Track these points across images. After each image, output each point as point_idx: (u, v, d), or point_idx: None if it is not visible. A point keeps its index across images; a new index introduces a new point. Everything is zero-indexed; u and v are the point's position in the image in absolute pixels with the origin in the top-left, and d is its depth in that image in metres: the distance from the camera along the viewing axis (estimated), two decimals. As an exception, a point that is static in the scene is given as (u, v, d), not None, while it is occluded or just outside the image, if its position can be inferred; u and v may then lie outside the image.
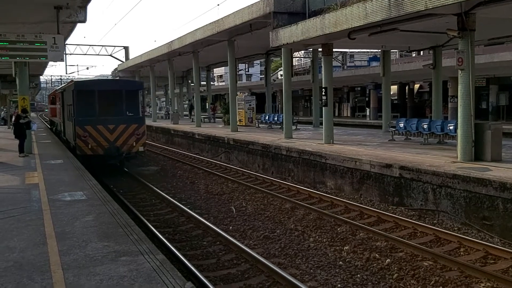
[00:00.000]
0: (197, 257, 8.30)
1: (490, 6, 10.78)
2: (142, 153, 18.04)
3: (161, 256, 6.08)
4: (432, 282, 6.93)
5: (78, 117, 16.79)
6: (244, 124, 28.47)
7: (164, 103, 60.67)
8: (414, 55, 45.41)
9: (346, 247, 8.61)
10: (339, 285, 6.94)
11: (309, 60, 46.45)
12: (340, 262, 7.92)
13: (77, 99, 16.97)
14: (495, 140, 11.62)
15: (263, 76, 38.91)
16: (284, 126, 19.96)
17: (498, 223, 8.92)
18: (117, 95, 17.27)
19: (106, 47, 51.27)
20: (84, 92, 17.10)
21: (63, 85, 27.26)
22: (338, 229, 9.77)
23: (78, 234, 7.10)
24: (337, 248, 8.65)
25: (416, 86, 42.26)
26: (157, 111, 46.36)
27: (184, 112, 47.35)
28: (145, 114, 50.85)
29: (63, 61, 15.94)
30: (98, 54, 51.05)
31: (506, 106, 33.31)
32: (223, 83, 78.85)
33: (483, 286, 6.70)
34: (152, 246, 6.50)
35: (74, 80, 23.98)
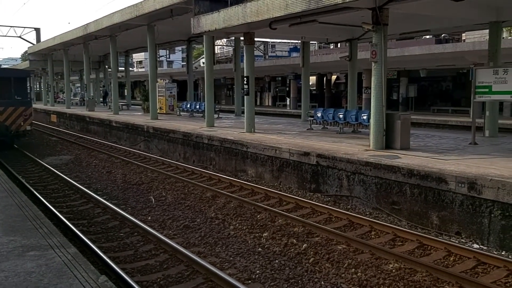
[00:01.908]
0: (113, 249, 8.01)
1: (402, 2, 11.39)
2: (29, 132, 20.70)
3: (73, 250, 5.79)
4: (345, 264, 7.25)
5: None
6: (164, 112, 27.90)
7: (79, 89, 57.85)
8: (332, 47, 47.02)
9: (265, 234, 8.75)
10: (257, 271, 7.03)
11: (231, 49, 46.45)
12: (259, 249, 8.04)
13: None
14: (404, 130, 12.34)
15: (185, 63, 38.30)
16: (206, 115, 19.81)
17: (405, 207, 9.51)
18: (6, 81, 19.61)
19: (15, 28, 47.84)
20: None
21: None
22: (258, 216, 9.90)
23: (-20, 228, 6.57)
24: (257, 235, 8.77)
25: (334, 77, 43.81)
26: (72, 97, 44.07)
27: (101, 99, 45.48)
28: (58, 100, 48.68)
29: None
30: (6, 36, 47.66)
31: (415, 97, 35.55)
32: (143, 69, 76.71)
33: (391, 267, 7.11)
34: (63, 239, 6.17)
35: None
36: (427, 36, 34.90)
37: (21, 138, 20.61)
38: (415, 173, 9.28)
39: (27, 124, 20.12)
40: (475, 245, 8.09)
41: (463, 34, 38.31)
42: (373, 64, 12.06)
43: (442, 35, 35.21)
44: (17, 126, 19.77)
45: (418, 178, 9.21)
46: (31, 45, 46.20)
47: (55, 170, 14.84)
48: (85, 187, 12.40)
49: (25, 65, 49.61)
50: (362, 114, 15.67)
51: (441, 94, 36.41)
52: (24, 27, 48.20)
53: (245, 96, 17.35)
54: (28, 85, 21.09)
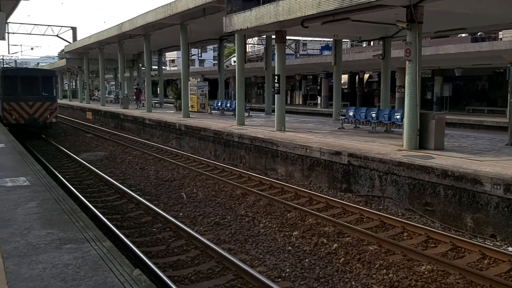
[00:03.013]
0: (146, 243, 8.18)
1: (437, 0, 11.15)
2: (55, 124, 24.38)
3: (108, 243, 5.93)
4: (377, 265, 7.18)
5: (5, 95, 22.53)
6: (196, 110, 28.19)
7: (114, 87, 59.04)
8: (364, 45, 46.47)
9: (295, 233, 8.75)
10: (287, 270, 7.05)
11: (262, 47, 46.45)
12: (289, 247, 8.05)
13: (4, 82, 22.59)
14: (438, 130, 12.11)
15: (216, 61, 38.56)
16: (236, 113, 19.92)
17: (439, 209, 9.34)
18: (35, 79, 23.01)
19: (52, 27, 49.21)
20: (9, 77, 22.90)
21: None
22: (288, 215, 9.91)
23: (20, 221, 6.80)
24: (287, 233, 8.78)
25: (366, 75, 43.28)
26: (106, 95, 45.02)
27: (134, 97, 46.27)
28: (94, 98, 49.83)
29: (5, 39, 15.24)
30: (43, 34, 49.02)
31: (450, 97, 34.76)
32: (175, 68, 77.65)
33: (424, 269, 7.01)
34: (98, 233, 6.33)
35: (1, 68, 31.68)
36: (463, 35, 34.04)
37: (48, 129, 23.97)
38: (449, 174, 9.10)
39: (52, 117, 23.46)
40: (510, 248, 7.87)
41: (500, 33, 37.10)
42: (407, 62, 11.88)
43: (478, 34, 34.24)
44: (44, 119, 23.06)
45: (452, 179, 9.03)
46: (68, 43, 47.41)
47: (90, 166, 15.22)
48: (119, 183, 12.68)
49: (62, 63, 51.00)
50: (396, 114, 15.43)
51: (476, 93, 35.46)
52: (61, 26, 49.51)
53: (275, 95, 17.36)
54: (54, 83, 24.30)
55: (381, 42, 19.78)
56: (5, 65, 75.45)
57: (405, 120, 12.15)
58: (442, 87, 35.04)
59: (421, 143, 12.06)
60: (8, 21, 22.57)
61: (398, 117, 15.05)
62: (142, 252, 7.36)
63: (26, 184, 9.34)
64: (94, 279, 4.84)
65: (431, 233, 8.43)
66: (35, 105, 22.70)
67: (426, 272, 6.89)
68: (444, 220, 9.21)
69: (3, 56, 78.90)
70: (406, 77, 11.98)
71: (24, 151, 14.00)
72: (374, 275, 6.86)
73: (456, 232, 8.72)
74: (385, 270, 6.99)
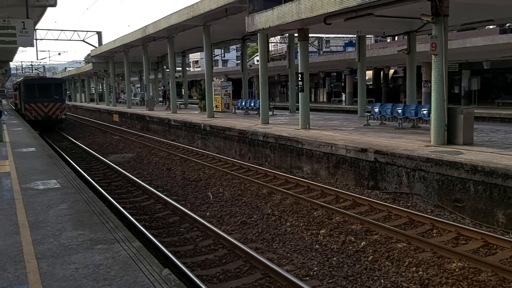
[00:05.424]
0: (174, 243, 8.28)
1: (463, -8, 10.93)
2: (64, 119, 31.68)
3: (137, 244, 6.03)
4: (406, 263, 7.09)
5: (26, 98, 29.53)
6: (220, 110, 28.33)
7: (139, 89, 59.84)
8: (389, 40, 45.83)
9: (323, 231, 8.71)
10: (315, 268, 7.03)
11: (285, 46, 46.34)
12: (317, 246, 8.02)
13: (25, 88, 29.94)
14: (467, 124, 11.86)
15: (239, 61, 38.68)
16: (260, 112, 19.94)
17: (469, 205, 9.15)
18: (48, 86, 30.24)
19: (78, 32, 50.18)
20: (29, 84, 30.21)
21: (19, 79, 41.66)
22: (315, 213, 9.87)
23: (52, 223, 6.98)
24: (314, 232, 8.75)
25: (391, 71, 42.71)
26: (132, 98, 45.67)
27: (159, 99, 46.82)
28: (120, 100, 50.66)
29: (33, 46, 15.60)
30: (70, 40, 49.92)
31: (478, 90, 34.00)
32: (199, 69, 78.18)
33: (454, 266, 6.88)
34: (128, 234, 6.44)
35: (25, 77, 39.64)
36: (490, 26, 33.23)
37: (59, 124, 30.91)
38: (479, 169, 8.91)
39: (62, 114, 30.28)
40: (546, 245, 7.65)
41: (531, 22, 36.09)
42: (433, 57, 11.67)
43: (507, 25, 33.37)
44: (56, 116, 29.84)
45: (482, 174, 8.83)
46: (94, 48, 48.25)
47: (118, 168, 15.48)
48: (147, 184, 12.86)
49: (88, 67, 51.97)
50: (422, 109, 15.19)
51: (506, 86, 34.55)
52: (87, 31, 50.37)
53: (299, 93, 17.30)
54: (63, 88, 31.29)
55: (405, 37, 19.48)
56: (33, 71, 77.50)
57: (432, 115, 11.94)
58: (470, 81, 34.33)
59: (449, 138, 11.84)
60: (36, 27, 23.00)
61: (425, 112, 14.81)
62: (170, 252, 7.45)
63: (57, 186, 9.57)
64: (125, 278, 4.94)
65: (461, 230, 8.28)
66: (49, 105, 29.42)
67: (457, 270, 6.77)
68: (474, 216, 9.03)
69: (32, 62, 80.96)
70: (433, 71, 11.78)
71: (54, 154, 14.34)
72: (404, 273, 6.77)
73: (487, 229, 8.53)
74: (414, 268, 6.89)
